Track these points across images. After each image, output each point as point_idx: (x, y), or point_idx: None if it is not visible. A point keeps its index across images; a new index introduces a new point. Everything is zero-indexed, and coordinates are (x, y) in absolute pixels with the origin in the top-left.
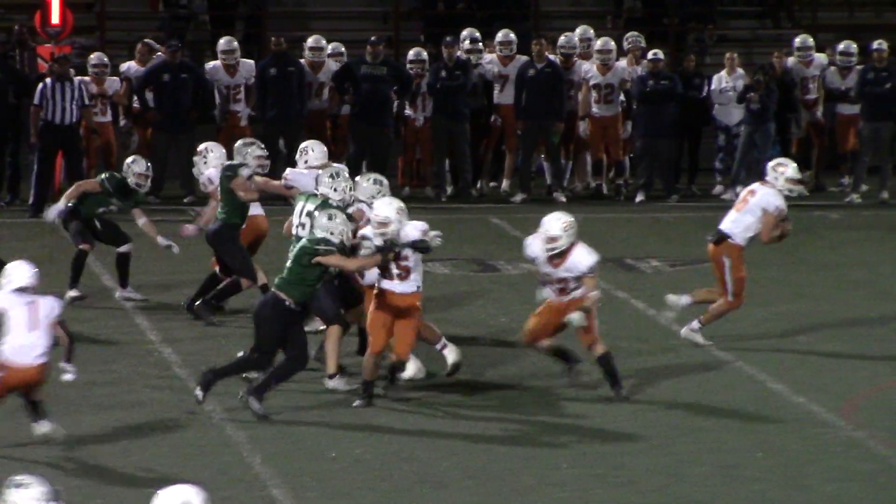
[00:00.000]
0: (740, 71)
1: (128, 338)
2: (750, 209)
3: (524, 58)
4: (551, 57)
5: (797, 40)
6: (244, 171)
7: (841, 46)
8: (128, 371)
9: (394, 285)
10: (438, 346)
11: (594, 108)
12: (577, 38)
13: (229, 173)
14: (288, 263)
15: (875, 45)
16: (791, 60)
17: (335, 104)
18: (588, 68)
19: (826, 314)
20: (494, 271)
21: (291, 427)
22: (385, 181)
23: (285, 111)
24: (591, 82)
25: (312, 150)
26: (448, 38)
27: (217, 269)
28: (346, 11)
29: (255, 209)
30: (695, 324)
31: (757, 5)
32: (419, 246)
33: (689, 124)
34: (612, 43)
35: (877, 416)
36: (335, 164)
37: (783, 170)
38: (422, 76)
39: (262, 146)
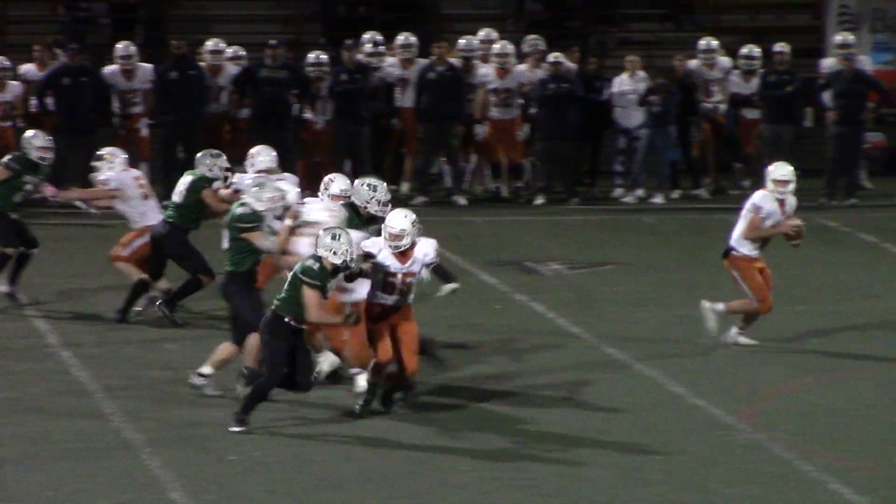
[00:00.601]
0: (642, 74)
1: (26, 343)
2: (743, 215)
3: (425, 61)
4: (452, 60)
5: (701, 43)
6: (217, 185)
7: (744, 50)
8: (27, 374)
9: (390, 299)
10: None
11: (493, 112)
12: (476, 42)
13: (203, 184)
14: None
15: (777, 47)
16: (694, 63)
17: (234, 107)
18: (486, 72)
19: (731, 317)
20: None
21: (191, 430)
22: (380, 186)
23: (186, 115)
24: (490, 86)
25: (259, 155)
26: (349, 42)
27: (145, 275)
28: (247, 15)
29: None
30: (734, 330)
31: (659, 8)
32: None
33: (590, 127)
34: (511, 46)
35: (777, 419)
36: (286, 173)
37: (771, 171)
38: (322, 79)
39: (225, 158)
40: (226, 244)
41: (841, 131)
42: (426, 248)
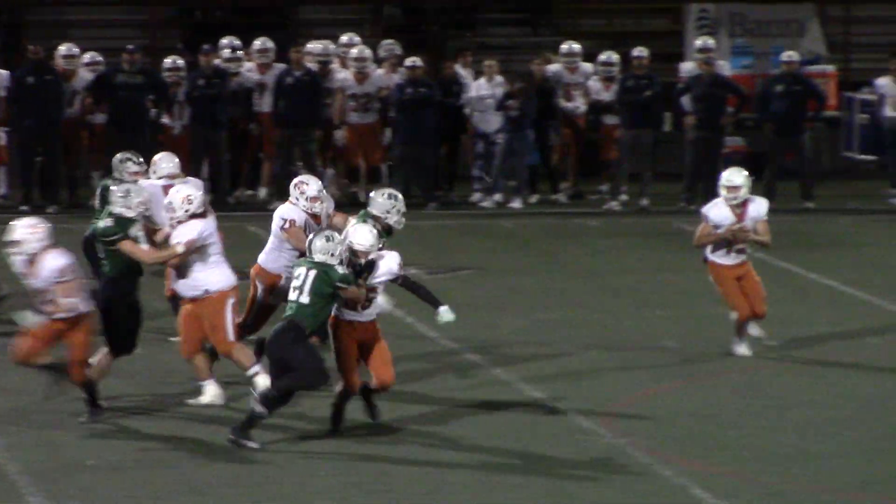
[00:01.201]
0: (499, 78)
1: None
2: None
3: (282, 66)
4: (309, 65)
5: (563, 47)
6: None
7: (602, 57)
8: None
9: (357, 315)
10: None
11: (351, 116)
12: (332, 46)
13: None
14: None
15: (635, 52)
16: (554, 67)
17: (87, 113)
18: (345, 76)
19: (587, 322)
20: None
21: (48, 434)
22: (399, 196)
23: (43, 120)
24: (348, 91)
25: (162, 161)
26: (206, 47)
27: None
28: (105, 20)
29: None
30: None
31: (517, 13)
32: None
33: (448, 132)
34: (369, 51)
35: (637, 424)
36: (190, 178)
37: (721, 177)
38: (179, 84)
39: (139, 160)
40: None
41: (700, 136)
42: (391, 263)
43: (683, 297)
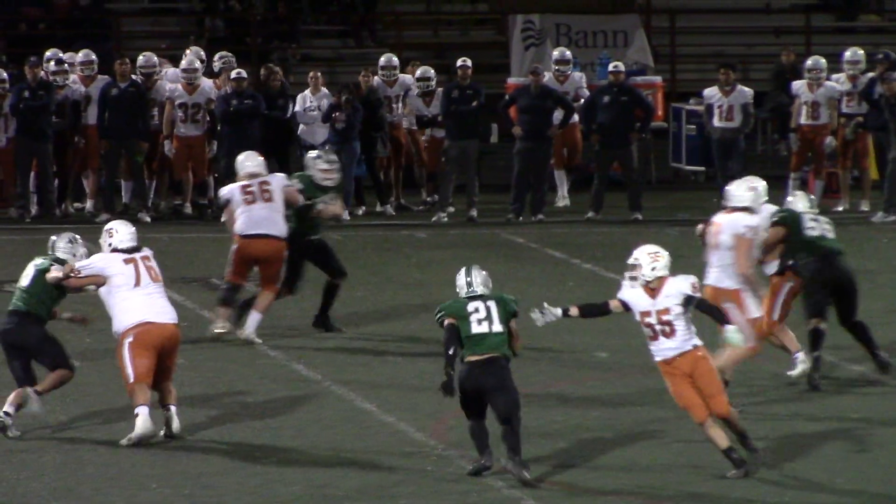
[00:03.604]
0: (325, 90)
1: None
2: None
3: (106, 78)
4: (134, 77)
5: (382, 59)
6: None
7: (418, 72)
8: None
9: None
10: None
11: (180, 128)
12: (156, 58)
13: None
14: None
15: (459, 62)
16: (377, 79)
17: None
18: (173, 87)
19: (414, 334)
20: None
21: None
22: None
23: None
24: (178, 101)
25: (245, 160)
26: (32, 59)
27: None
28: None
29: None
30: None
31: (340, 24)
32: None
33: (274, 144)
34: (199, 62)
35: (467, 436)
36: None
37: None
38: (4, 97)
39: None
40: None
41: (527, 146)
42: (683, 285)
43: None
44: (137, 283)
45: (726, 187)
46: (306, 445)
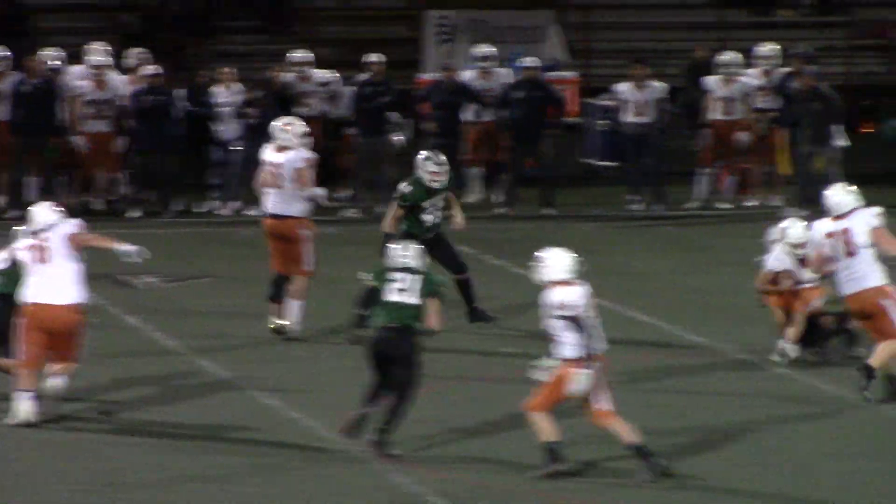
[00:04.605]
0: (239, 86)
1: None
2: None
3: (19, 74)
4: (47, 72)
5: (293, 55)
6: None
7: (324, 76)
8: None
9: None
10: None
11: (89, 124)
12: (65, 54)
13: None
14: None
15: (371, 58)
16: (290, 75)
17: None
18: (84, 84)
19: (321, 329)
20: None
21: None
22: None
23: None
24: (87, 97)
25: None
26: None
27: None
28: None
29: None
30: None
31: (256, 20)
32: None
33: (189, 140)
34: (108, 58)
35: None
36: None
37: None
38: None
39: None
40: None
41: (440, 143)
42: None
43: None
44: (37, 263)
45: (829, 198)
46: (211, 441)
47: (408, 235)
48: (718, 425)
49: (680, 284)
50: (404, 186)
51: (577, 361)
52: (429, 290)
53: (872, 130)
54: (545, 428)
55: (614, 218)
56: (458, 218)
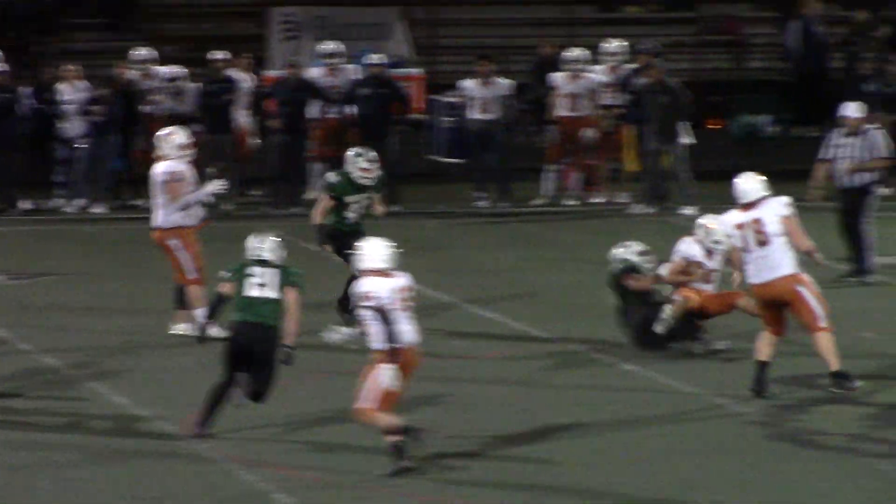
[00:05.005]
0: (84, 83)
1: None
2: None
3: None
4: None
5: (136, 53)
6: None
7: (169, 71)
8: None
9: None
10: None
11: None
12: None
13: None
14: None
15: (215, 56)
16: (133, 73)
17: None
18: None
19: (168, 326)
20: None
21: None
22: None
23: None
24: None
25: None
26: None
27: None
28: None
29: None
30: None
31: (101, 17)
32: None
33: (35, 137)
34: None
35: (219, 430)
36: None
37: None
38: None
39: None
40: None
41: (285, 139)
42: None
43: None
44: None
45: (738, 185)
46: (59, 442)
47: (333, 231)
48: (563, 422)
49: (526, 281)
50: (332, 176)
51: (385, 354)
52: (286, 281)
53: (720, 127)
54: (385, 423)
55: (460, 214)
56: (381, 207)
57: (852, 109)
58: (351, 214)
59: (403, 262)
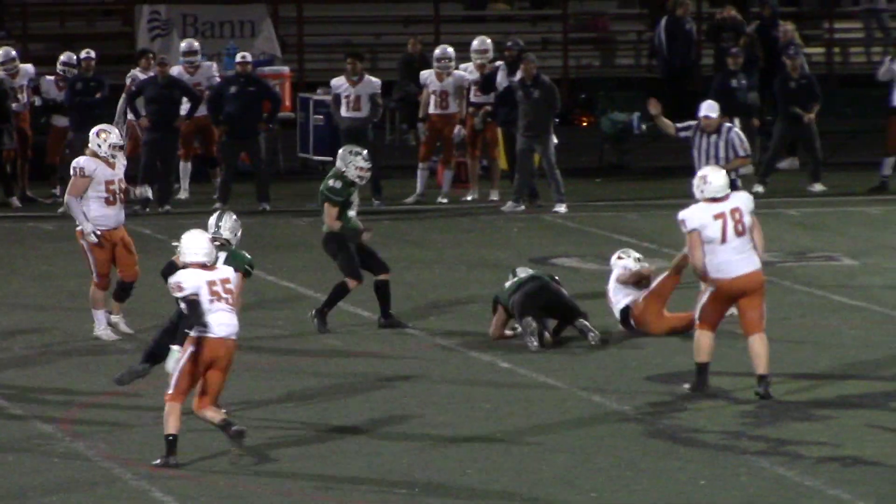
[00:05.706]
0: None
1: None
2: None
3: None
4: None
5: (2, 53)
6: None
7: (63, 58)
8: None
9: None
10: None
11: None
12: None
13: None
14: None
15: (83, 54)
16: (1, 72)
17: None
18: None
19: (41, 325)
20: None
21: None
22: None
23: None
24: None
25: None
26: None
27: None
28: None
29: None
30: None
31: None
32: None
33: None
34: None
35: (95, 428)
36: None
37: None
38: None
39: None
40: None
41: (155, 137)
42: None
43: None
44: None
45: (709, 181)
46: None
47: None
48: (438, 420)
49: (397, 279)
50: (333, 183)
51: (190, 340)
52: (239, 267)
53: (587, 123)
54: (172, 422)
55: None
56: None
57: (707, 108)
58: (352, 212)
59: (274, 260)
